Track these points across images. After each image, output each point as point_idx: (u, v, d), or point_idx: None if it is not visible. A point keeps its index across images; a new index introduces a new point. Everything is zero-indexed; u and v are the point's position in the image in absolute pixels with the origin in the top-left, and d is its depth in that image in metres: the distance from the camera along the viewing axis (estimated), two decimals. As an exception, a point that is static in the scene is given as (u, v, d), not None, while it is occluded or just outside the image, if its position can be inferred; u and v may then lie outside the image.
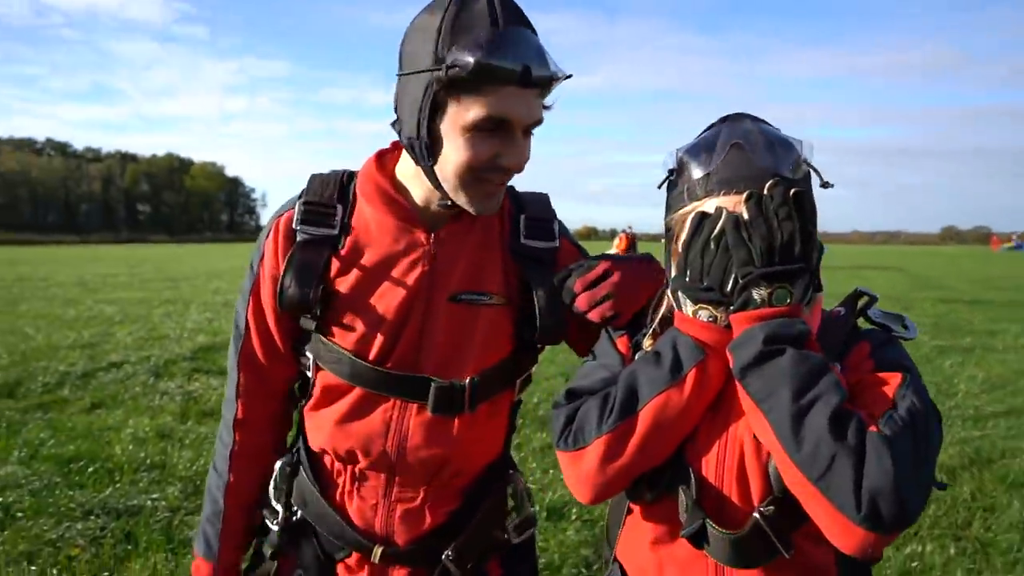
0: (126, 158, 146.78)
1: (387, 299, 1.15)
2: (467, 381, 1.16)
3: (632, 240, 19.87)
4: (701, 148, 1.00)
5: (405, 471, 1.17)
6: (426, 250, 1.15)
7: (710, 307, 0.96)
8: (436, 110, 1.02)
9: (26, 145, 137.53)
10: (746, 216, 0.90)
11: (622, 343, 1.13)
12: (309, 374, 1.22)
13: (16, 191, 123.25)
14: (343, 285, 1.15)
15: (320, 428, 1.21)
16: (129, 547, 3.12)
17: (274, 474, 1.25)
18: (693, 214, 0.97)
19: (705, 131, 1.05)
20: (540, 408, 5.32)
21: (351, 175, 1.22)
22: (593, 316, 1.11)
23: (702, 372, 0.96)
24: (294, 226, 1.17)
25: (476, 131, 1.01)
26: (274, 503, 1.25)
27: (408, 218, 1.16)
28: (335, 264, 1.16)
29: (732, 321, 0.92)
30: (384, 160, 1.22)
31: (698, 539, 0.97)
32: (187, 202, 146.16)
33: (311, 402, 1.22)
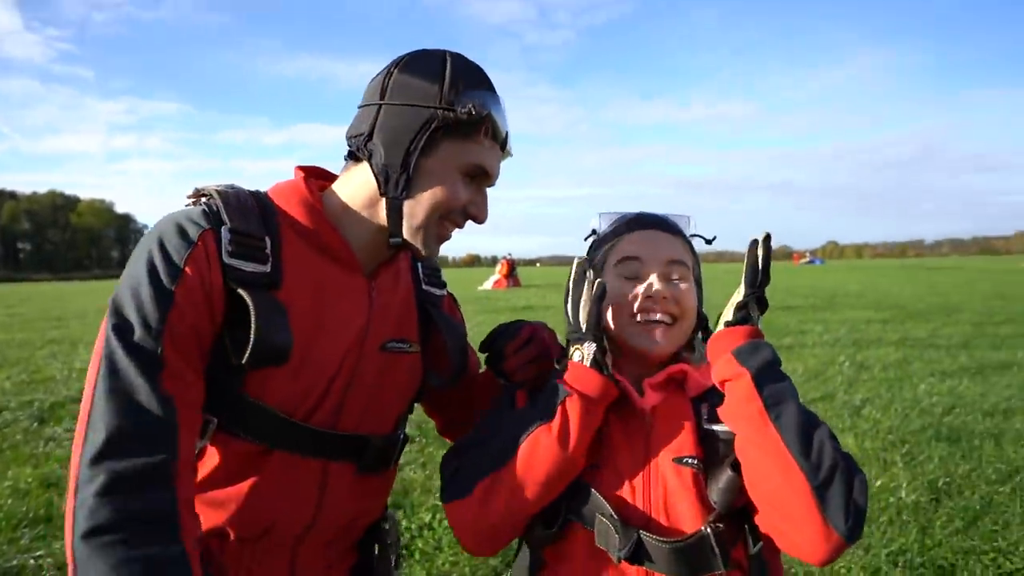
0: (3, 195, 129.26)
1: (326, 349, 0.94)
2: (400, 436, 1.08)
3: (512, 265, 20.19)
4: (619, 214, 1.17)
5: (317, 533, 0.99)
6: (366, 295, 1.00)
7: (578, 346, 1.00)
8: (428, 147, 0.94)
9: None
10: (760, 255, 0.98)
11: (520, 397, 1.10)
12: (203, 441, 0.90)
13: None
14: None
15: (219, 507, 0.92)
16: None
17: None
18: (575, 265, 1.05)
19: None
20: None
21: (257, 195, 0.97)
22: (519, 378, 1.09)
23: (566, 412, 0.95)
24: (225, 258, 0.86)
25: (463, 175, 0.97)
26: None
27: (347, 259, 0.98)
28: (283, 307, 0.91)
29: (733, 332, 0.96)
30: (310, 187, 1.00)
31: (638, 557, 0.93)
32: (73, 239, 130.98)
33: (201, 479, 0.91)
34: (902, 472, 3.96)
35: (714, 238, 1.15)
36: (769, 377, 0.90)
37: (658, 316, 1.04)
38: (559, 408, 0.95)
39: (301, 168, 1.04)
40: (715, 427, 0.99)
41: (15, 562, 2.97)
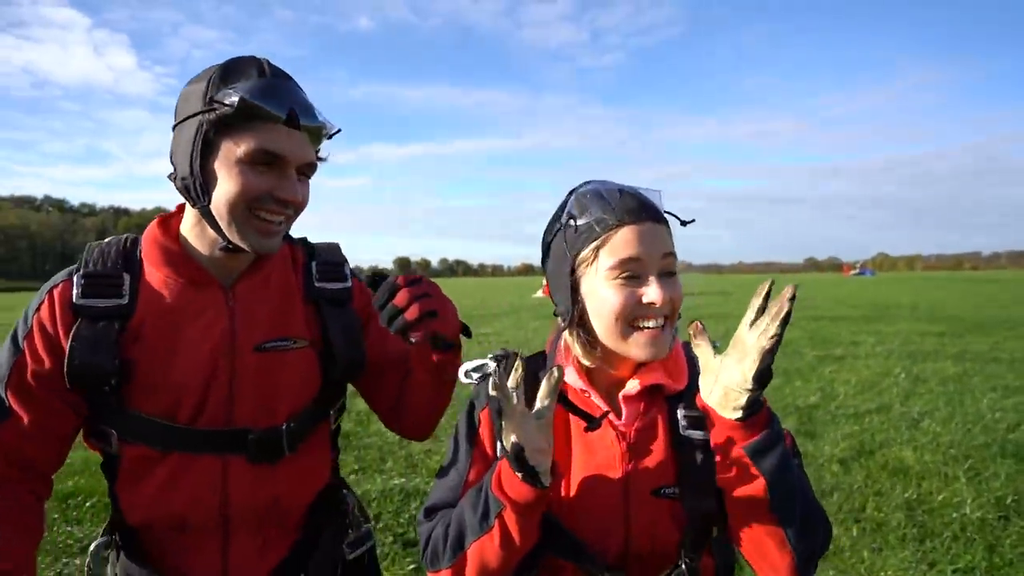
0: (119, 212, 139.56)
1: (189, 359, 0.99)
2: (283, 427, 1.04)
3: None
4: (594, 195, 0.94)
5: (238, 522, 1.02)
6: (223, 305, 1.02)
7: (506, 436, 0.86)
8: (208, 149, 0.93)
9: (25, 202, 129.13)
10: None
11: (485, 433, 0.99)
12: (113, 450, 1.00)
13: (16, 244, 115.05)
14: (141, 352, 0.97)
15: (138, 503, 1.00)
16: None
17: (87, 561, 1.03)
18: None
19: (572, 193, 0.98)
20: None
21: (134, 240, 1.05)
22: (411, 314, 0.91)
23: (504, 524, 0.85)
24: (75, 300, 0.96)
25: (249, 164, 0.93)
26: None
27: (198, 276, 1.02)
28: (129, 332, 0.97)
29: (745, 428, 0.81)
30: (168, 222, 1.06)
31: None
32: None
33: (121, 479, 1.01)
34: (965, 487, 3.67)
35: (692, 220, 0.95)
36: (781, 479, 0.81)
37: (655, 323, 0.90)
38: (496, 520, 0.85)
39: (178, 206, 1.09)
40: (693, 434, 0.92)
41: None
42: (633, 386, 0.94)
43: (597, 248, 0.91)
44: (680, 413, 0.94)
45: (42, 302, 0.97)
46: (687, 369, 0.98)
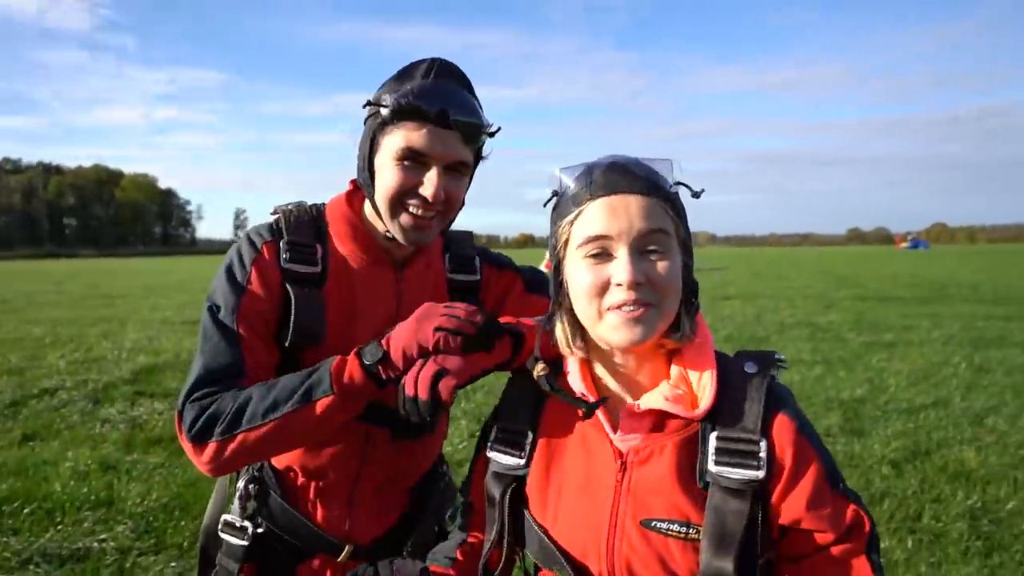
0: (49, 170, 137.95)
1: (361, 330, 1.22)
2: None
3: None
4: (582, 167, 0.97)
5: (366, 483, 1.31)
6: (394, 287, 1.27)
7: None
8: (374, 147, 1.17)
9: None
10: None
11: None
12: None
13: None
14: (330, 318, 1.22)
15: (289, 452, 1.25)
16: None
17: (237, 494, 1.31)
18: None
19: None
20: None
21: (319, 211, 1.29)
22: (423, 393, 1.02)
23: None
24: (282, 263, 1.21)
25: (399, 161, 1.14)
26: (239, 521, 1.30)
27: (379, 257, 1.26)
28: (323, 299, 1.22)
29: None
30: (353, 199, 1.29)
31: None
32: (117, 214, 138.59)
33: None
34: (1038, 494, 3.72)
35: (701, 191, 0.96)
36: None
37: (631, 308, 0.89)
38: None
39: (354, 181, 1.30)
40: (720, 470, 0.88)
41: (80, 545, 3.20)
42: (636, 404, 0.95)
43: (571, 224, 0.94)
44: (712, 444, 0.90)
45: (258, 252, 1.21)
46: (719, 386, 0.93)
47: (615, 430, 0.95)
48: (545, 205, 1.02)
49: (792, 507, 0.88)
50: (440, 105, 1.11)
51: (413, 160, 1.13)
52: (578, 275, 0.92)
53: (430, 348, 1.03)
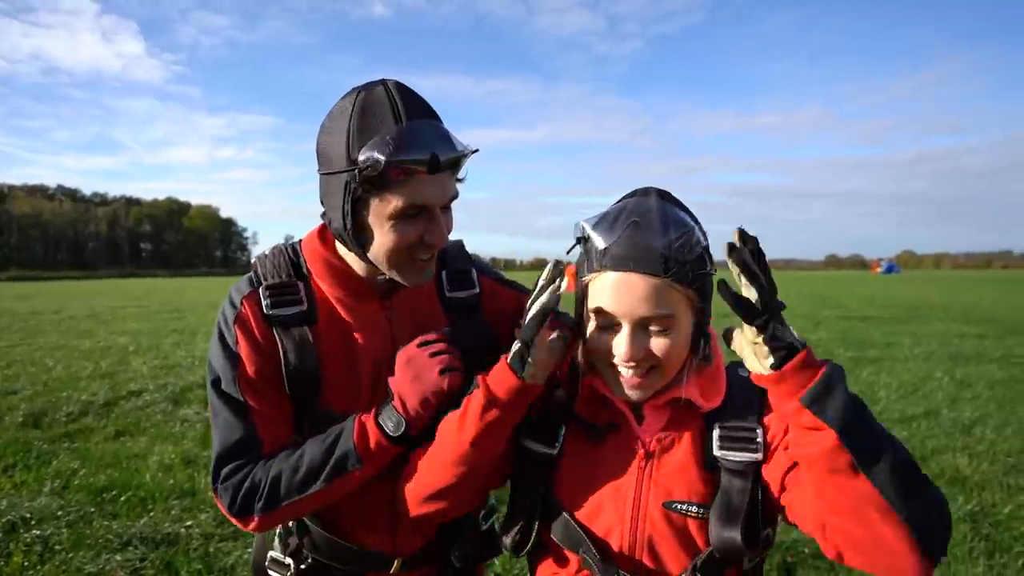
0: (130, 202, 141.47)
1: (360, 365, 1.09)
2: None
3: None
4: (605, 221, 0.93)
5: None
6: (382, 316, 1.12)
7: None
8: (359, 205, 0.98)
9: (38, 191, 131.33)
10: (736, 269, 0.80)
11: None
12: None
13: (29, 233, 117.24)
14: (328, 354, 1.07)
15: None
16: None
17: (277, 531, 1.18)
18: None
19: (616, 202, 0.98)
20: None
21: (295, 249, 1.14)
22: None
23: (468, 402, 0.96)
24: (266, 311, 1.06)
25: (399, 219, 0.98)
26: (282, 557, 1.16)
27: (361, 291, 1.11)
28: (316, 336, 1.07)
29: (789, 378, 0.79)
30: (325, 236, 1.13)
31: None
32: (185, 240, 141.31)
33: None
34: (1032, 499, 3.56)
35: (715, 270, 0.91)
36: (855, 426, 0.76)
37: (630, 373, 0.91)
38: (465, 398, 0.95)
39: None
40: (724, 454, 0.91)
41: (170, 530, 3.18)
42: (659, 396, 0.96)
43: (587, 284, 0.94)
44: (715, 433, 0.93)
45: (238, 312, 1.06)
46: (725, 388, 0.96)
47: (639, 422, 0.97)
48: (568, 253, 0.99)
49: (780, 438, 0.90)
50: (428, 149, 0.93)
51: (413, 215, 0.98)
52: (590, 336, 0.94)
53: (445, 393, 0.97)
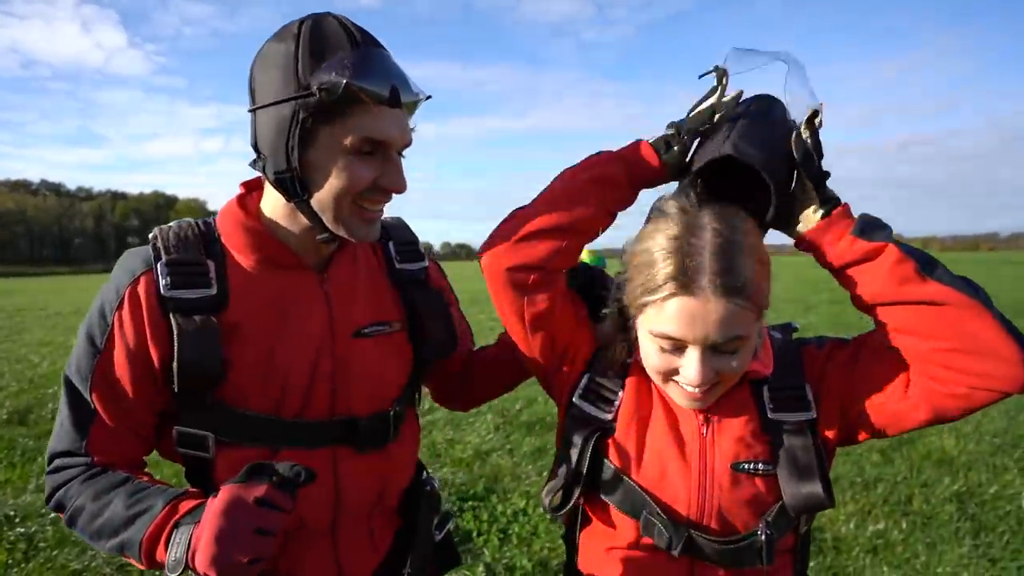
0: (116, 196, 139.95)
1: (290, 349, 0.94)
2: (391, 412, 1.02)
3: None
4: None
5: (347, 515, 1.00)
6: (318, 291, 0.98)
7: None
8: (305, 139, 0.85)
9: (21, 186, 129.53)
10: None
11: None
12: (209, 455, 0.91)
13: (13, 229, 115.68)
14: (241, 346, 0.91)
15: None
16: (157, 573, 2.75)
17: None
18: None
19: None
20: (524, 414, 5.10)
21: (207, 223, 0.97)
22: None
23: (598, 157, 0.98)
24: (163, 292, 0.88)
25: (354, 155, 0.87)
26: None
27: (289, 261, 0.96)
28: (226, 326, 0.90)
29: (837, 224, 0.88)
30: (245, 202, 0.98)
31: (687, 550, 0.92)
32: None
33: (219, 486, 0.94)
34: (1018, 478, 3.61)
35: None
36: (905, 246, 0.85)
37: (692, 388, 0.89)
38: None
39: (245, 184, 1.02)
40: (779, 416, 0.93)
41: (157, 526, 3.15)
42: None
43: (647, 303, 0.88)
44: (766, 396, 0.95)
45: (122, 298, 0.89)
46: (773, 355, 0.98)
47: None
48: (702, 76, 0.92)
49: (833, 377, 0.94)
50: (389, 81, 0.84)
51: (369, 152, 0.88)
52: (647, 351, 0.92)
53: (245, 564, 0.73)
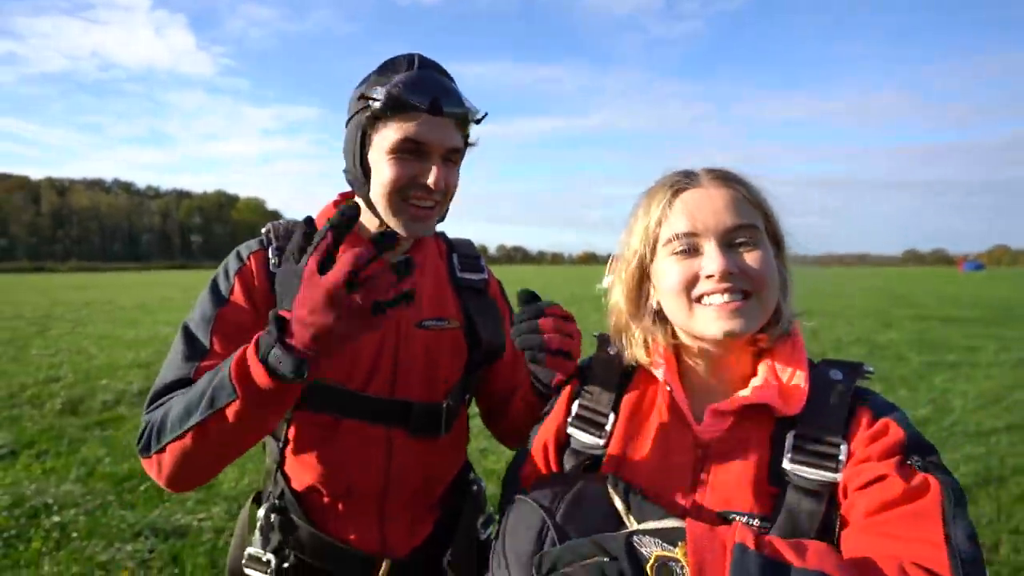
0: (182, 195, 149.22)
1: (367, 338, 1.06)
2: (444, 404, 1.16)
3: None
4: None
5: (395, 494, 1.14)
6: (392, 282, 0.96)
7: None
8: (365, 143, 1.07)
9: (96, 184, 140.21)
10: None
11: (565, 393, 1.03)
12: (286, 418, 1.11)
13: (88, 225, 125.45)
14: None
15: (308, 468, 1.12)
16: (176, 571, 2.84)
17: (258, 524, 1.13)
18: None
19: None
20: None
21: (310, 220, 1.16)
22: (552, 343, 0.95)
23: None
24: (272, 268, 1.10)
25: (396, 154, 1.03)
26: (262, 553, 1.12)
27: None
28: None
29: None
30: (339, 203, 1.20)
31: None
32: (234, 232, 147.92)
33: (292, 445, 1.13)
34: None
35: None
36: None
37: (726, 297, 0.83)
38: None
39: (342, 194, 1.22)
40: (796, 468, 0.80)
41: (182, 522, 3.28)
42: (727, 403, 0.88)
43: (658, 224, 0.89)
44: (788, 440, 0.83)
45: (243, 264, 1.10)
46: (810, 389, 0.85)
47: (697, 421, 0.90)
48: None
49: (858, 469, 0.76)
50: (432, 94, 1.02)
51: (411, 152, 1.04)
52: (666, 272, 0.88)
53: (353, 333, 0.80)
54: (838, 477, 0.79)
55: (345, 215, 0.81)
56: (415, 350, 1.14)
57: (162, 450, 0.94)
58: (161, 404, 0.99)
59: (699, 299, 0.85)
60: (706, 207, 0.85)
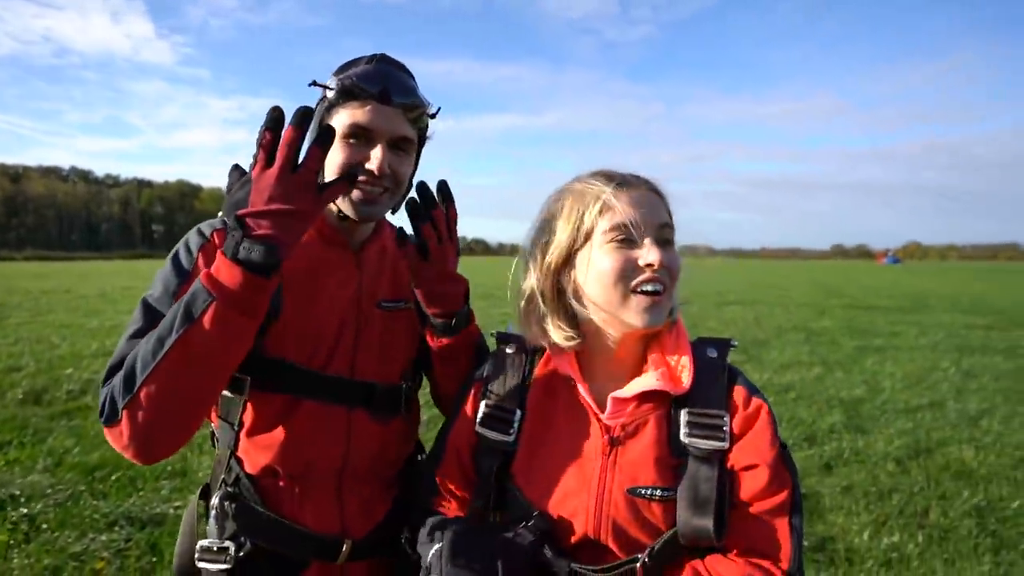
0: (142, 184, 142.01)
1: (326, 308, 1.10)
2: (402, 385, 1.16)
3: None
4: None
5: (351, 474, 1.12)
6: (353, 264, 1.15)
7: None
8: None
9: (52, 172, 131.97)
10: None
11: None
12: (242, 398, 1.05)
13: (44, 214, 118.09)
14: (288, 299, 1.07)
15: (265, 449, 1.06)
16: (154, 559, 2.69)
17: (212, 512, 1.06)
18: None
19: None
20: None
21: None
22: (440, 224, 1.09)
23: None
24: None
25: (345, 139, 1.04)
26: (218, 542, 1.04)
27: (333, 238, 1.13)
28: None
29: None
30: None
31: None
32: (196, 222, 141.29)
33: (247, 427, 1.06)
34: (1041, 494, 3.42)
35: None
36: None
37: (655, 287, 0.90)
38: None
39: None
40: (692, 441, 0.89)
41: (158, 510, 3.11)
42: (626, 390, 0.94)
43: (597, 215, 0.93)
44: (683, 419, 0.91)
45: (206, 240, 1.06)
46: (695, 370, 0.93)
47: (602, 410, 0.95)
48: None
49: (741, 453, 0.89)
50: (381, 84, 1.04)
51: (359, 137, 1.04)
52: (604, 260, 0.91)
53: (307, 213, 0.91)
54: (725, 445, 0.89)
55: (307, 117, 0.89)
56: (374, 329, 1.14)
57: (134, 399, 0.86)
58: (121, 368, 0.91)
59: (635, 288, 0.90)
60: (646, 205, 0.92)
